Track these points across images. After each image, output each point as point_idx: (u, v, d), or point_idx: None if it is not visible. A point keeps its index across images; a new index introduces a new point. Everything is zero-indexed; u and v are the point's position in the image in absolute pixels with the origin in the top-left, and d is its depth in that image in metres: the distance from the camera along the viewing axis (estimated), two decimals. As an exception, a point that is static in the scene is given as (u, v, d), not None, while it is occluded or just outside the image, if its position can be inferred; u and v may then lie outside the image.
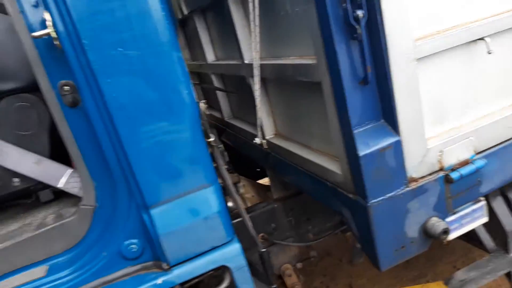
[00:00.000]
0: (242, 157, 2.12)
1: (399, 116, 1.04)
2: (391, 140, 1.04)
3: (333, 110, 1.06)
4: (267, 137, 1.66)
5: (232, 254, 1.10)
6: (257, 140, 1.66)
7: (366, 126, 1.04)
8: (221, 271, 1.15)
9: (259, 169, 2.59)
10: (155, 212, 1.04)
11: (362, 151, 1.02)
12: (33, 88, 1.19)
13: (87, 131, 1.05)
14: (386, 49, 0.98)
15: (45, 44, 0.97)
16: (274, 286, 1.37)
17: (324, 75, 1.04)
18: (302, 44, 1.20)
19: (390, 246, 1.13)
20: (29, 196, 1.41)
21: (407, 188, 1.10)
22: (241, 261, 1.10)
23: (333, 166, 1.20)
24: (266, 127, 1.65)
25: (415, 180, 1.11)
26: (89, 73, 0.93)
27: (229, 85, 2.10)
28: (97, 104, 0.96)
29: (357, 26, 0.96)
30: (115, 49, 0.92)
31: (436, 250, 2.59)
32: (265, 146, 1.67)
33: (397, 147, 1.05)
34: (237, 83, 1.84)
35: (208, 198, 1.07)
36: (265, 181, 2.44)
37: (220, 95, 2.16)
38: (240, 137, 2.00)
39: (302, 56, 1.21)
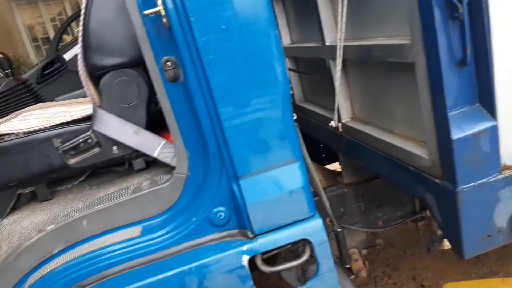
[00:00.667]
0: (310, 141, 2.14)
1: (497, 99, 1.00)
2: (487, 124, 1.02)
3: (426, 92, 1.05)
4: (343, 120, 1.66)
5: (314, 229, 1.13)
6: (333, 123, 1.66)
7: (461, 109, 1.02)
8: (300, 245, 1.20)
9: (325, 155, 2.60)
10: (244, 182, 1.09)
11: (456, 135, 1.00)
12: (134, 63, 1.29)
13: (185, 105, 1.12)
14: (489, 29, 0.95)
15: (153, 22, 1.04)
16: (348, 266, 1.40)
17: (419, 55, 1.03)
18: (392, 24, 1.19)
19: (476, 234, 1.11)
20: (123, 164, 1.53)
21: (500, 176, 1.07)
22: (323, 236, 1.13)
23: (418, 151, 1.19)
24: (343, 110, 1.66)
25: (509, 167, 1.08)
26: (193, 49, 0.99)
27: (303, 69, 2.12)
28: (198, 79, 1.02)
29: (459, 5, 0.94)
30: (219, 26, 0.97)
31: (510, 249, 2.46)
32: (341, 130, 1.68)
33: (493, 132, 1.02)
34: (314, 66, 1.85)
35: (294, 173, 1.11)
36: (332, 166, 2.45)
37: (293, 78, 2.18)
38: (311, 120, 2.02)
39: (393, 37, 1.20)
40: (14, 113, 1.83)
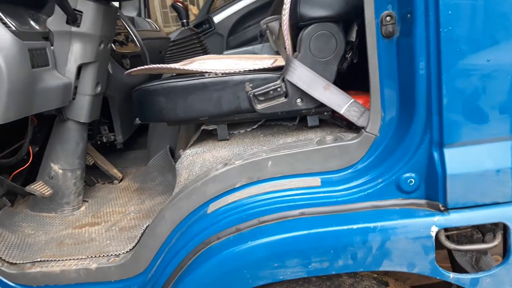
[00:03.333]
0: None
1: None
2: None
3: None
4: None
5: (514, 214, 1.05)
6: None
7: None
8: (490, 228, 1.12)
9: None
10: (449, 151, 1.04)
11: None
12: (338, 18, 1.30)
13: (392, 63, 1.11)
14: None
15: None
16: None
17: None
18: None
19: None
20: (294, 119, 1.58)
21: None
22: (523, 223, 1.05)
23: None
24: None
25: None
26: (431, 3, 0.96)
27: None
28: (427, 36, 0.99)
29: None
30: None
31: None
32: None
33: None
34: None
35: (505, 151, 1.03)
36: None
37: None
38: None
39: None
40: (188, 59, 1.98)
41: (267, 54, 2.04)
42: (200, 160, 1.43)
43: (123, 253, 1.41)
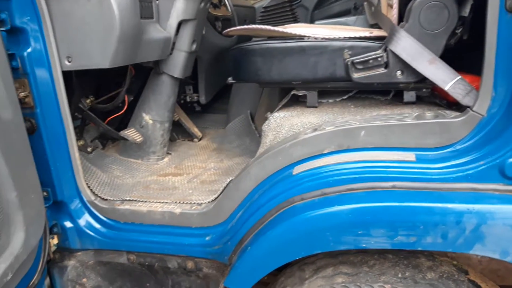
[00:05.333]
0: None
1: None
2: None
3: None
4: None
5: None
6: None
7: None
8: None
9: None
10: None
11: None
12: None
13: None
14: None
15: None
16: None
17: None
18: None
19: None
20: (387, 93, 1.53)
21: None
22: None
23: None
24: None
25: None
26: None
27: None
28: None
29: None
30: None
31: None
32: None
33: None
34: None
35: None
36: None
37: None
38: None
39: None
40: (280, 26, 1.98)
41: (361, 27, 1.99)
42: (287, 124, 1.44)
43: (205, 202, 1.48)
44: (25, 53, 1.40)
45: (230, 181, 1.45)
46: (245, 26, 1.67)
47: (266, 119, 1.54)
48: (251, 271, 1.22)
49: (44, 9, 1.39)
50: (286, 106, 1.56)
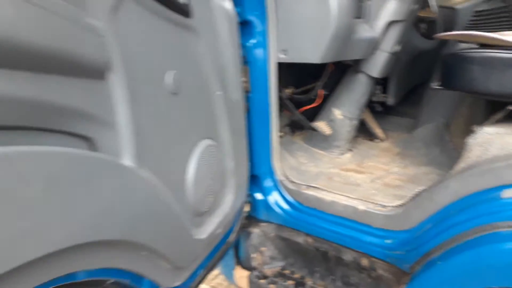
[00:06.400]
0: None
1: None
2: None
3: None
4: None
5: None
6: None
7: None
8: None
9: None
10: None
11: None
12: None
13: None
14: None
15: None
16: None
17: None
18: None
19: None
20: None
21: None
22: None
23: None
24: None
25: None
26: None
27: None
28: None
29: None
30: None
31: None
32: None
33: None
34: None
35: None
36: None
37: None
38: None
39: None
40: (497, 33, 1.79)
41: None
42: (500, 141, 1.32)
43: (390, 206, 1.48)
44: (249, 44, 1.60)
45: (422, 190, 1.41)
46: (459, 32, 1.57)
47: (471, 132, 1.44)
48: (437, 286, 1.18)
49: (271, 5, 1.57)
50: (500, 121, 1.43)
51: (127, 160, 0.85)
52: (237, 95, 1.44)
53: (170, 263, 1.09)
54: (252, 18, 1.59)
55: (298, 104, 2.13)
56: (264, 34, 1.61)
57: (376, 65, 1.84)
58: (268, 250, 1.77)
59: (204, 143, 1.21)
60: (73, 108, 0.71)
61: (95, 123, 0.77)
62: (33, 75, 0.62)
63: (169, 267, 1.11)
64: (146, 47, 0.90)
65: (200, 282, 1.37)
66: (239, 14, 1.56)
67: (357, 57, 1.74)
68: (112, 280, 0.98)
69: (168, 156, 1.03)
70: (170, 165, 1.04)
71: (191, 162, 1.15)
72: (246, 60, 1.62)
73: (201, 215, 1.23)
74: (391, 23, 1.75)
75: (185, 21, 1.05)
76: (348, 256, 1.54)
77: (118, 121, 0.82)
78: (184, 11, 1.03)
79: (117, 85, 0.80)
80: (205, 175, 1.22)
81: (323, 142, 2.03)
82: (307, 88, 2.07)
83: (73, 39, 0.67)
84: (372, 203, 1.52)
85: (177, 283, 1.19)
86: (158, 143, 0.97)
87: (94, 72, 0.75)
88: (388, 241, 1.42)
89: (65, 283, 0.82)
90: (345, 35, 1.57)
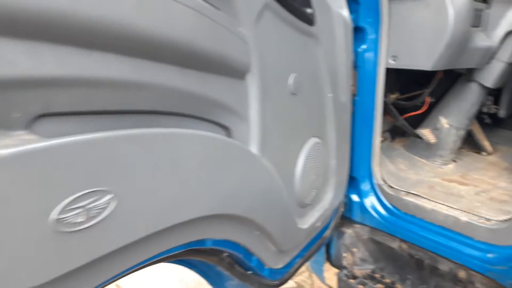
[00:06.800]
0: None
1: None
2: None
3: None
4: None
5: None
6: None
7: None
8: None
9: None
10: None
11: None
12: None
13: None
14: None
15: None
16: None
17: None
18: None
19: None
20: None
21: None
22: None
23: None
24: None
25: None
26: None
27: None
28: None
29: None
30: None
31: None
32: None
33: None
34: None
35: None
36: None
37: None
38: None
39: None
40: None
41: None
42: None
43: (495, 220, 1.43)
44: (359, 49, 1.66)
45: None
46: None
47: None
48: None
49: (385, 13, 1.61)
50: None
51: (254, 149, 0.98)
52: (346, 98, 1.51)
53: (276, 246, 1.21)
54: (364, 24, 1.64)
55: (402, 110, 2.12)
56: (375, 40, 1.65)
57: (491, 75, 1.77)
58: (359, 252, 1.81)
59: (313, 141, 1.31)
60: (220, 102, 0.86)
61: (234, 115, 0.91)
62: (197, 72, 0.78)
63: (274, 250, 1.23)
64: (277, 52, 1.02)
65: (296, 270, 1.48)
66: (353, 20, 1.63)
67: (471, 66, 1.70)
68: (227, 253, 1.13)
69: (284, 149, 1.15)
70: (284, 157, 1.16)
71: (300, 157, 1.25)
72: (355, 65, 1.68)
73: (304, 206, 1.33)
74: (510, 33, 1.68)
75: (309, 28, 1.16)
76: (444, 266, 1.53)
77: (251, 115, 0.95)
78: (309, 19, 1.14)
79: (253, 85, 0.93)
80: (310, 170, 1.31)
81: (426, 150, 2.00)
82: (412, 94, 2.06)
83: (228, 44, 0.81)
84: (476, 215, 1.49)
85: (279, 266, 1.31)
86: (277, 137, 1.10)
87: (238, 72, 0.89)
88: (491, 255, 1.39)
89: (195, 247, 0.98)
90: (460, 43, 1.56)
